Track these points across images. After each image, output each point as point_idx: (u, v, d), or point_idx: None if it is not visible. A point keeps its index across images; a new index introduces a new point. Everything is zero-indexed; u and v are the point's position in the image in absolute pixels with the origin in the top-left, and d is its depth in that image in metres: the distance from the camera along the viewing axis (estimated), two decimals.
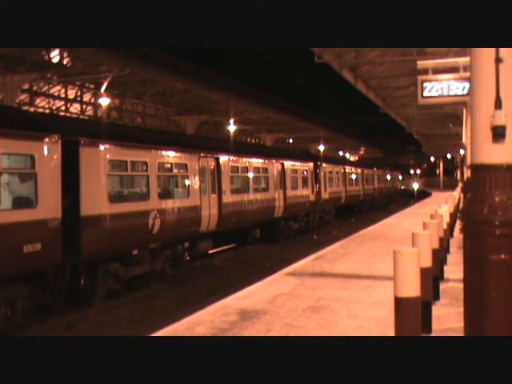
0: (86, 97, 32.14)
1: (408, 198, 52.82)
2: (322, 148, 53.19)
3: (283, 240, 21.29)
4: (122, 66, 21.72)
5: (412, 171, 71.20)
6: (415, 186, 65.70)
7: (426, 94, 12.78)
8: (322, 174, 27.07)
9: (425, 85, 12.77)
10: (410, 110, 32.18)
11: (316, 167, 26.06)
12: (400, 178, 63.54)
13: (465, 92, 12.46)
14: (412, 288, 4.30)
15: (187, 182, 14.49)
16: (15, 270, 9.05)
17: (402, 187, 64.61)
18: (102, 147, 11.18)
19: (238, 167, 17.97)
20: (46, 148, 9.65)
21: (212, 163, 15.97)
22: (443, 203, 14.25)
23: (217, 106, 33.70)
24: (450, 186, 63.48)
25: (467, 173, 18.67)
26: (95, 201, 10.84)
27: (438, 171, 77.90)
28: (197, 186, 14.72)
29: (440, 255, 8.77)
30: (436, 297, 7.81)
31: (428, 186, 68.73)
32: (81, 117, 30.53)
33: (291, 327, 6.91)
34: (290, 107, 39.48)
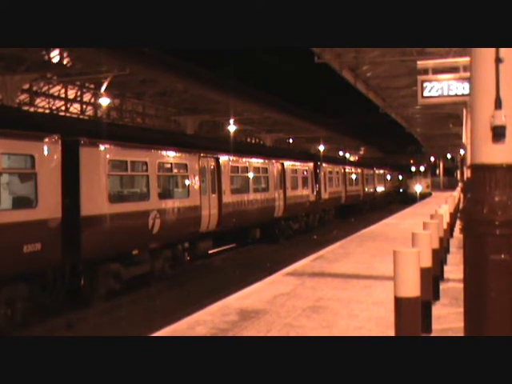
0: (86, 97, 32.11)
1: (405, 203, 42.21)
2: (322, 148, 53.16)
3: (283, 240, 21.29)
4: (122, 66, 21.70)
5: (414, 168, 56.69)
6: (418, 188, 53.35)
7: (426, 93, 12.78)
8: (322, 174, 27.07)
9: (425, 85, 12.77)
10: (410, 110, 32.20)
11: (316, 167, 26.06)
12: (400, 177, 55.90)
13: (465, 92, 12.46)
14: (412, 288, 4.30)
15: (187, 182, 14.49)
16: (15, 269, 9.05)
17: (401, 189, 54.56)
18: (101, 147, 11.18)
19: (237, 167, 17.97)
20: (45, 148, 9.66)
21: (212, 163, 15.97)
22: (443, 203, 14.25)
23: (217, 105, 33.67)
24: (450, 186, 62.99)
25: (467, 173, 18.67)
26: (95, 201, 10.84)
27: (437, 171, 77.82)
28: (197, 186, 14.72)
29: (440, 255, 8.77)
30: (436, 297, 7.81)
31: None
32: (81, 117, 30.52)
33: (291, 327, 6.91)
34: (289, 107, 39.45)
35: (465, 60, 12.07)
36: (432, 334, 6.26)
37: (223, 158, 16.61)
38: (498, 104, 3.31)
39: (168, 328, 7.11)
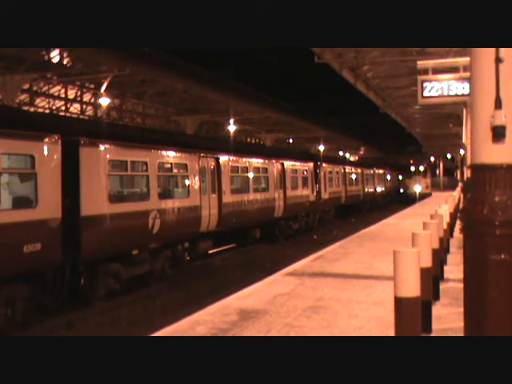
0: (86, 97, 32.11)
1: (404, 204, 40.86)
2: (322, 148, 53.14)
3: (283, 240, 21.29)
4: (122, 66, 21.70)
5: (413, 168, 55.05)
6: (417, 188, 51.82)
7: (426, 93, 12.78)
8: (322, 174, 27.08)
9: (425, 85, 12.77)
10: (410, 110, 32.20)
11: (316, 167, 26.06)
12: (400, 178, 54.67)
13: (465, 92, 12.46)
14: (412, 288, 4.30)
15: (187, 182, 14.49)
16: (15, 269, 9.05)
17: (401, 190, 53.29)
18: (102, 147, 11.18)
19: (237, 167, 17.97)
20: (45, 148, 9.65)
21: (212, 163, 15.97)
22: (443, 203, 14.25)
23: (217, 105, 33.67)
24: (450, 186, 62.86)
25: (467, 173, 18.67)
26: (95, 201, 10.84)
27: (437, 171, 77.80)
28: (197, 186, 14.72)
29: (440, 255, 8.77)
30: (436, 297, 7.81)
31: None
32: (81, 117, 30.52)
33: (291, 327, 6.91)
34: (289, 107, 39.44)
35: (465, 60, 12.07)
36: (432, 334, 6.26)
37: (223, 158, 16.61)
38: (498, 104, 3.31)
39: (168, 328, 7.11)
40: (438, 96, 12.78)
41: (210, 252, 16.97)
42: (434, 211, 10.98)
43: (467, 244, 3.49)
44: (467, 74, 11.22)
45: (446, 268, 10.08)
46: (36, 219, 9.34)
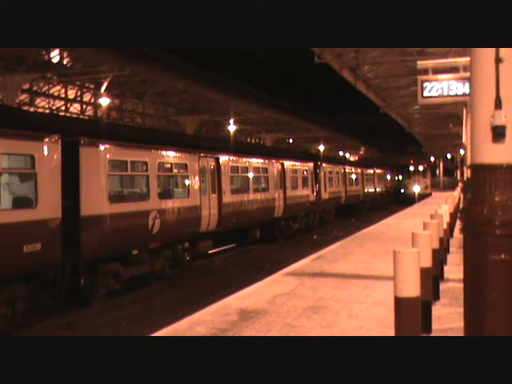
0: (86, 97, 32.13)
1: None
2: (322, 148, 53.15)
3: (283, 240, 21.29)
4: (122, 66, 21.71)
5: (412, 168, 54.58)
6: (416, 188, 50.90)
7: (425, 94, 12.78)
8: (322, 173, 27.07)
9: (425, 85, 12.77)
10: (410, 110, 32.22)
11: (316, 167, 26.06)
12: (400, 178, 54.44)
13: (465, 92, 12.47)
14: (412, 288, 4.30)
15: (187, 182, 14.49)
16: (15, 269, 9.05)
17: (402, 190, 52.68)
18: (101, 147, 11.18)
19: (238, 167, 17.96)
20: (46, 148, 9.65)
21: (212, 163, 15.97)
22: (443, 203, 14.25)
23: (217, 105, 33.70)
24: (450, 186, 62.87)
25: (467, 173, 18.69)
26: (95, 201, 10.84)
27: (437, 171, 77.80)
28: (197, 186, 14.72)
29: (440, 255, 8.77)
30: (436, 297, 7.81)
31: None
32: (81, 117, 30.53)
33: (291, 327, 6.91)
34: (289, 107, 39.44)
35: (465, 60, 12.07)
36: (432, 334, 6.26)
37: (223, 158, 16.61)
38: (498, 104, 3.31)
39: (168, 328, 7.11)
40: (438, 96, 12.78)
41: (210, 252, 16.96)
42: (433, 211, 10.98)
43: (467, 244, 3.49)
44: (467, 74, 11.23)
45: (445, 268, 10.08)
46: (36, 219, 9.34)
